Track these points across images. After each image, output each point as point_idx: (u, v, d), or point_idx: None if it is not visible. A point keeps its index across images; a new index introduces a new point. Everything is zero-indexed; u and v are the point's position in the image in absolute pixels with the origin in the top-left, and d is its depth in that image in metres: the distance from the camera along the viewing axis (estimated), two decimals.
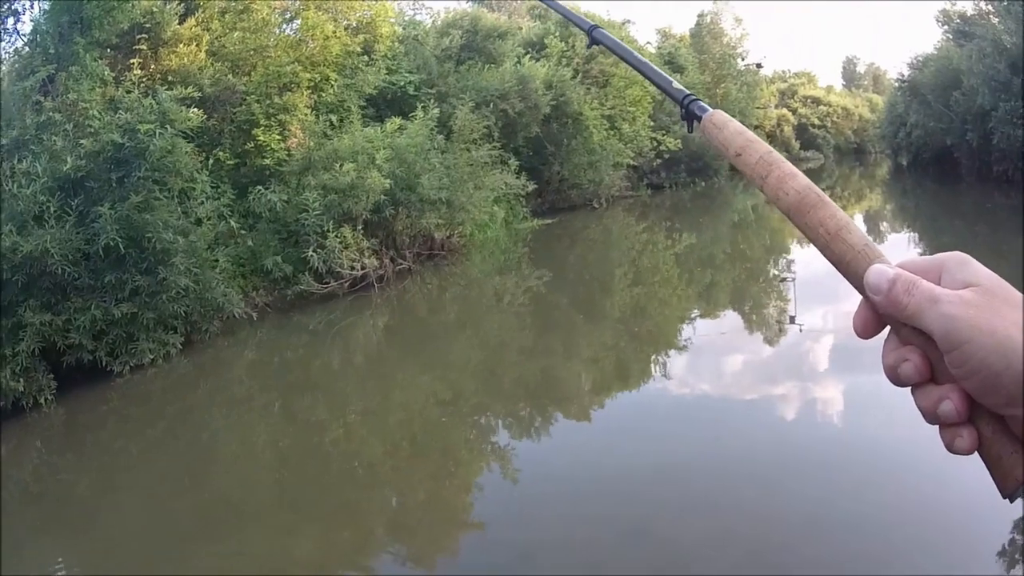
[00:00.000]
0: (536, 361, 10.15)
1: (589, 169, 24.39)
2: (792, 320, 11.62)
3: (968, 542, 5.03)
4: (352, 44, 16.17)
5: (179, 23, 13.58)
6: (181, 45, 13.22)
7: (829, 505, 5.57)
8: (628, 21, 33.62)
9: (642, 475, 6.08)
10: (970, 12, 42.90)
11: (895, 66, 62.56)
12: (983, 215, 27.65)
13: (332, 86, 15.46)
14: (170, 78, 12.42)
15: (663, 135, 31.03)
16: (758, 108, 52.48)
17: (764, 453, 6.61)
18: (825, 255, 0.85)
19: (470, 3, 34.33)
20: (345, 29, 16.39)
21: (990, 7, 39.28)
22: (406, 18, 20.55)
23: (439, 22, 22.04)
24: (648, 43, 40.10)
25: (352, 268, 12.57)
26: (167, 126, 9.77)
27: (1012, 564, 4.83)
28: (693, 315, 13.10)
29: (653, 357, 10.34)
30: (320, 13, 15.69)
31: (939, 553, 4.94)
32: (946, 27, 46.07)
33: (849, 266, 0.81)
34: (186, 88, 10.85)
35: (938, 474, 5.82)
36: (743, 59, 48.49)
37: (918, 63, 46.44)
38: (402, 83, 18.09)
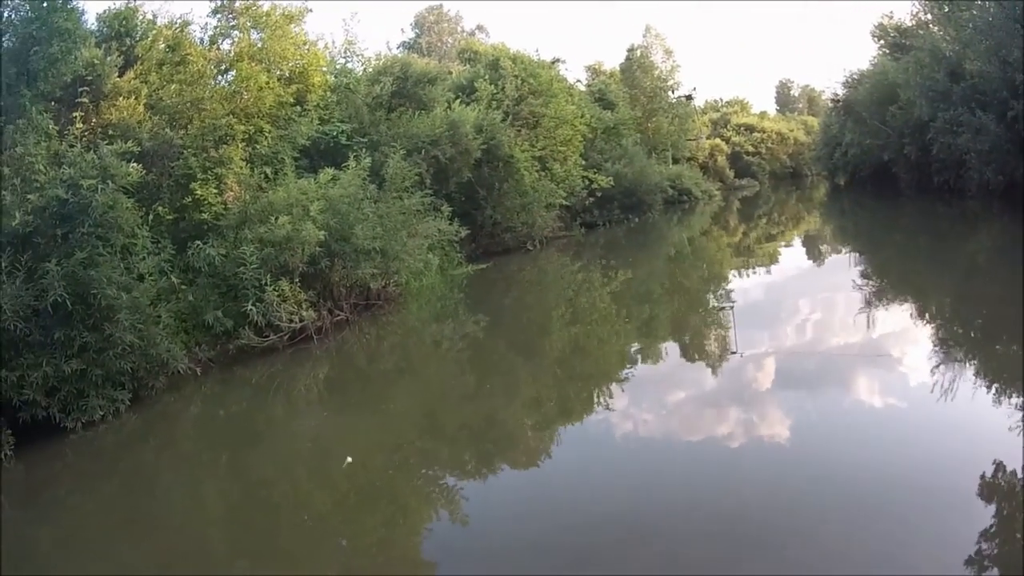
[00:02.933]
0: (478, 405, 10.88)
1: (522, 211, 25.40)
2: (734, 352, 12.19)
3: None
4: (285, 95, 16.99)
5: (119, 75, 14.19)
6: (120, 98, 13.84)
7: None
8: (559, 60, 34.85)
9: (591, 512, 6.74)
10: (907, 23, 45.56)
11: (830, 86, 64.12)
12: (924, 227, 29.38)
13: (266, 138, 16.21)
14: (110, 132, 13.03)
15: (595, 173, 32.31)
16: (690, 140, 54.38)
17: (717, 481, 7.36)
18: None
19: (400, 49, 35.35)
20: (278, 79, 17.22)
21: (929, 16, 41.37)
22: (338, 66, 21.39)
23: (370, 69, 22.96)
24: (578, 81, 41.36)
25: (291, 321, 13.30)
26: (108, 181, 10.42)
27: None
28: (634, 351, 13.81)
29: (595, 395, 11.08)
30: (254, 64, 16.46)
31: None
32: (882, 41, 49.11)
33: None
34: (126, 142, 11.46)
35: (906, 479, 6.82)
36: (674, 91, 50.48)
37: (852, 81, 48.49)
38: (334, 133, 18.92)
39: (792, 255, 26.54)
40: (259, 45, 17.24)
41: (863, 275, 19.41)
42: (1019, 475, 6.79)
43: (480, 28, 56.20)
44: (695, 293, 19.88)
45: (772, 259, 25.42)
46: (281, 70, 17.78)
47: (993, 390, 9.58)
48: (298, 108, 17.57)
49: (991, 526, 6.03)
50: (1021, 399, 8.90)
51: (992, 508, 6.36)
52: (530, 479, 7.95)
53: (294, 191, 14.82)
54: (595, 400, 10.79)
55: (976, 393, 9.38)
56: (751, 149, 68.79)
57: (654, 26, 52.73)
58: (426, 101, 22.75)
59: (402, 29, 56.75)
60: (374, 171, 17.03)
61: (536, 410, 10.64)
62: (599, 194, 32.54)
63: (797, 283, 19.41)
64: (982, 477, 6.64)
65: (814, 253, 27.04)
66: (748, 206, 50.48)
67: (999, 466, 6.82)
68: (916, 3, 44.00)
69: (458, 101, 23.75)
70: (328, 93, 19.64)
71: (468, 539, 6.70)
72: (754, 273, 22.39)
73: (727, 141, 66.29)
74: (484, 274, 21.66)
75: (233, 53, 16.86)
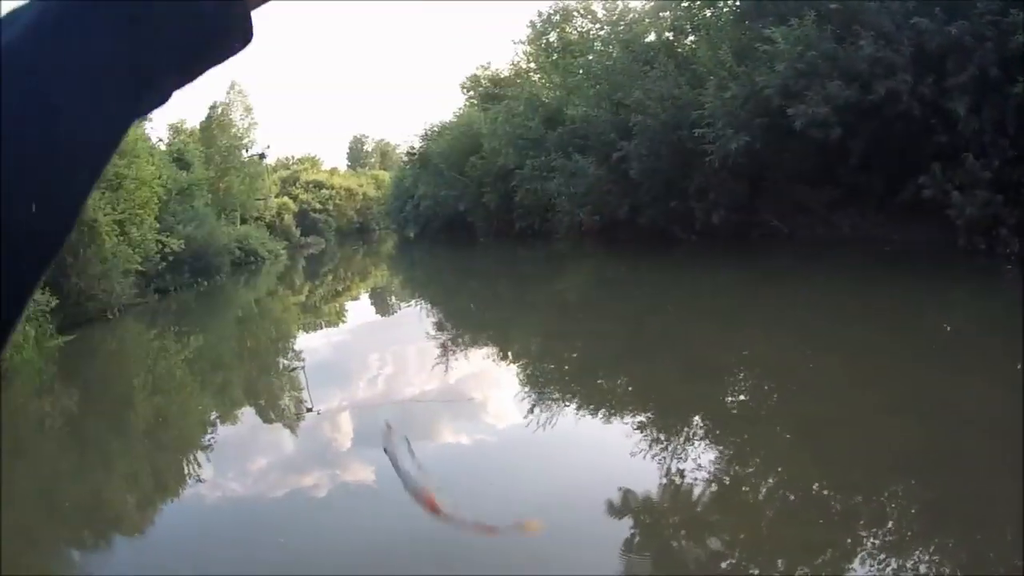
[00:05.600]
0: (83, 484, 11.89)
1: (103, 278, 26.84)
2: (309, 409, 13.29)
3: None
4: None
5: None
6: None
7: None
8: (145, 118, 36.49)
9: None
10: (505, 74, 49.92)
11: (407, 139, 69.27)
12: (504, 271, 32.88)
13: None
14: None
15: (168, 236, 34.26)
16: (258, 199, 57.45)
17: (304, 533, 8.40)
18: None
19: None
20: None
21: (532, 65, 46.16)
22: None
23: None
24: (160, 140, 43.24)
25: None
26: None
27: None
28: (214, 417, 15.28)
29: (185, 464, 12.29)
30: None
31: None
32: (471, 93, 53.75)
33: None
34: None
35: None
36: (248, 149, 53.83)
37: (432, 133, 52.10)
38: None
39: (360, 310, 29.79)
40: None
41: (437, 325, 22.25)
42: (639, 494, 8.08)
43: None
44: (265, 355, 22.30)
45: (340, 316, 28.47)
46: None
47: (598, 418, 11.32)
48: None
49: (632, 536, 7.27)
50: (628, 424, 10.67)
51: (627, 526, 7.52)
52: (132, 561, 8.80)
53: None
54: (186, 470, 11.98)
55: (578, 423, 11.06)
56: (318, 206, 74.41)
57: (239, 82, 55.46)
58: None
59: None
60: None
61: (134, 485, 11.91)
62: (171, 258, 34.37)
63: (367, 337, 21.89)
64: (608, 504, 7.80)
65: (383, 307, 30.51)
66: (314, 264, 54.24)
67: (626, 492, 8.07)
68: (519, 53, 48.87)
69: None
70: None
71: None
72: (322, 330, 25.31)
73: (295, 199, 71.06)
74: (72, 345, 22.77)
75: None
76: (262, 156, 55.97)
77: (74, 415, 16.94)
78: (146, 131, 36.15)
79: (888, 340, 14.53)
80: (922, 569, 6.62)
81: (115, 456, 13.74)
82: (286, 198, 69.59)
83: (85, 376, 20.98)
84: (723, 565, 6.96)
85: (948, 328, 15.26)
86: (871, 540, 7.04)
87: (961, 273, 19.38)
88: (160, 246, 33.58)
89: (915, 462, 8.77)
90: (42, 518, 11.01)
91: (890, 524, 7.38)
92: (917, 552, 6.94)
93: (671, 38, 33.21)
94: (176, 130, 48.81)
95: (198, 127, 51.77)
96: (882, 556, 6.70)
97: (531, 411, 11.59)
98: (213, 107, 52.09)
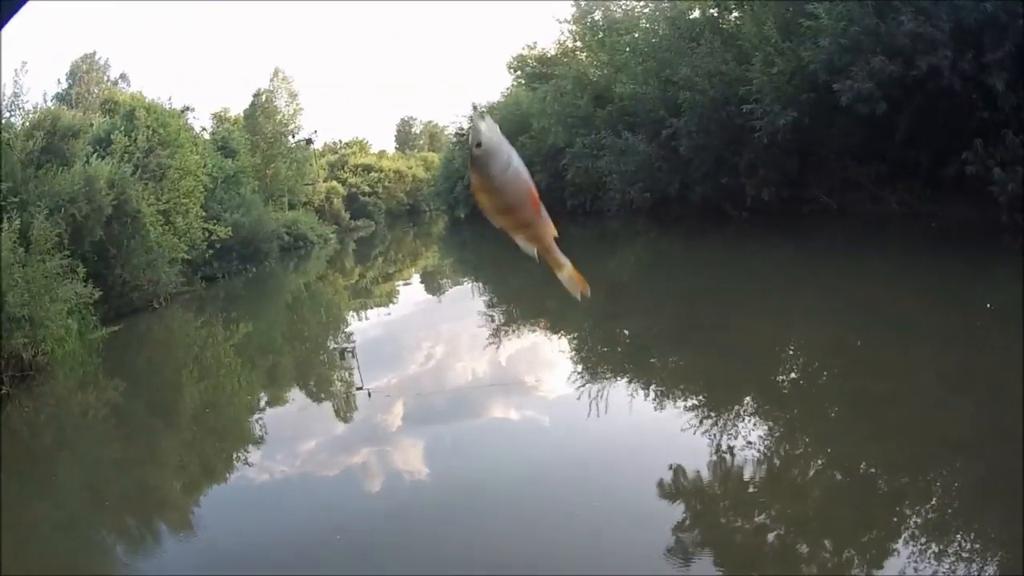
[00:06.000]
0: (132, 474, 12.05)
1: (148, 268, 27.22)
2: (360, 388, 13.51)
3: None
4: None
5: None
6: None
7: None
8: (188, 108, 37.10)
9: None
10: (552, 53, 49.59)
11: (455, 121, 69.94)
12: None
13: None
14: None
15: (214, 224, 34.70)
16: (307, 184, 57.77)
17: (358, 512, 8.76)
18: None
19: (53, 101, 35.67)
20: None
21: (578, 43, 45.85)
22: (2, 120, 22.49)
23: (27, 123, 24.24)
24: (204, 129, 43.97)
25: None
26: None
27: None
28: (262, 402, 15.57)
29: (234, 450, 12.45)
30: None
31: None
32: (518, 72, 53.42)
33: None
34: None
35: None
36: (294, 135, 54.22)
37: (479, 114, 52.66)
38: None
39: (411, 292, 29.94)
40: None
41: (487, 304, 22.39)
42: (691, 473, 8.22)
43: (123, 77, 56.27)
44: (315, 338, 22.47)
45: (391, 298, 28.65)
46: None
47: (649, 398, 11.41)
48: None
49: (684, 520, 7.38)
50: (683, 404, 10.82)
51: (680, 504, 7.69)
52: (182, 549, 8.88)
53: None
54: (232, 458, 12.14)
55: (632, 403, 11.13)
56: (368, 189, 74.73)
57: (283, 69, 55.64)
58: (69, 156, 24.25)
59: (59, 80, 54.52)
60: (22, 232, 18.46)
61: (183, 473, 12.04)
62: (218, 246, 34.87)
63: (418, 318, 22.13)
64: (660, 482, 7.99)
65: (434, 287, 30.72)
66: (364, 247, 54.41)
67: (677, 469, 8.27)
68: (564, 32, 48.78)
69: (95, 155, 25.44)
70: None
71: None
72: (373, 313, 25.46)
73: (344, 183, 71.23)
74: (116, 336, 23.16)
75: None
76: (309, 141, 56.60)
77: (117, 405, 17.14)
78: (188, 121, 36.35)
79: (935, 321, 14.52)
80: (966, 552, 6.62)
81: (161, 444, 13.88)
82: (335, 182, 69.87)
83: (130, 366, 21.11)
84: (770, 539, 7.11)
85: (991, 306, 14.97)
86: (916, 519, 7.20)
87: (1003, 252, 19.10)
88: (207, 234, 33.88)
89: (962, 443, 8.82)
90: (87, 508, 11.03)
91: (935, 502, 7.59)
92: (960, 534, 6.95)
93: (715, 14, 33.04)
94: (220, 119, 49.46)
95: (242, 115, 52.47)
96: (925, 539, 6.76)
97: (583, 391, 11.67)
98: (257, 94, 52.57)
